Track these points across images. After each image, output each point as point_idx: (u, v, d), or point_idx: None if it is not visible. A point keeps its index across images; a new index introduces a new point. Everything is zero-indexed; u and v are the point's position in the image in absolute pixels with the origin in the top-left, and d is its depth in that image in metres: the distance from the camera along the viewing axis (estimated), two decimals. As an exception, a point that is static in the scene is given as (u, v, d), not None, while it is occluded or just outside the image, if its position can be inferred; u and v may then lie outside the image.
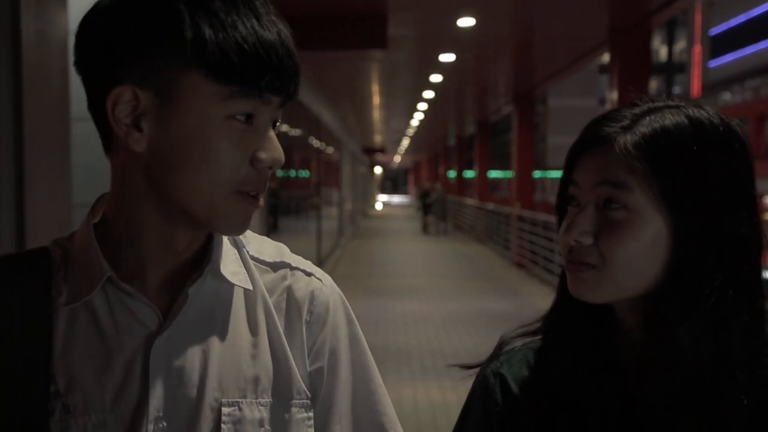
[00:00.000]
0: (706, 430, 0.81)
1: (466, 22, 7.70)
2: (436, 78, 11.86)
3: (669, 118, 0.84)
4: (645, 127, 0.84)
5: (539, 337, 0.98)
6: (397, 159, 53.82)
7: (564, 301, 0.94)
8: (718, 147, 0.83)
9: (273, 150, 0.82)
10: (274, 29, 0.80)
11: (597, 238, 0.84)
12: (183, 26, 0.76)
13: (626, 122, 0.85)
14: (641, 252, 0.83)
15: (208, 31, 0.76)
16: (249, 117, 0.80)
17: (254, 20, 0.78)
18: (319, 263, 11.84)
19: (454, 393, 5.44)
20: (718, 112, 0.86)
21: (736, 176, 0.83)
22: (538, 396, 0.92)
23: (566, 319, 0.94)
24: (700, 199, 0.82)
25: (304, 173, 11.72)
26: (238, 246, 0.93)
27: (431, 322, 8.28)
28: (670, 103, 0.88)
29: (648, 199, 0.82)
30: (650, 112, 0.86)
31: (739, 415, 0.81)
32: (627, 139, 0.84)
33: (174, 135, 0.79)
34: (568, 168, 0.90)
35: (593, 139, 0.87)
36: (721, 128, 0.84)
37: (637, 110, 0.87)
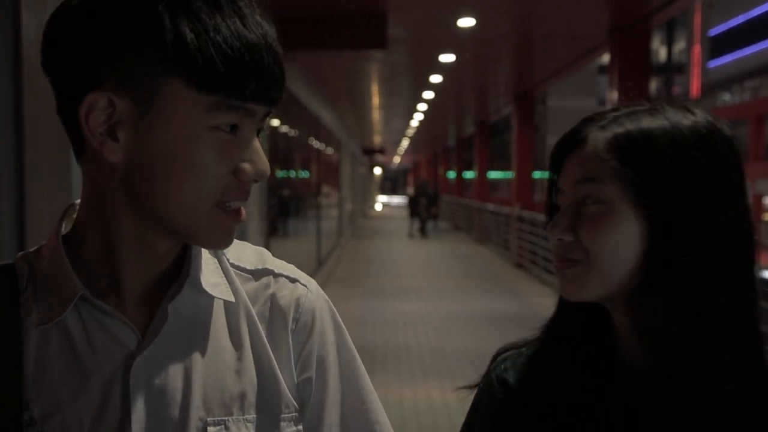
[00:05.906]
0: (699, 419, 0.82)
1: (466, 22, 7.70)
2: (435, 78, 11.85)
3: (646, 119, 0.86)
4: (619, 126, 0.87)
5: (537, 343, 0.98)
6: (397, 160, 53.80)
7: (562, 306, 0.96)
8: (697, 144, 0.84)
9: (258, 162, 0.78)
10: (260, 31, 0.75)
11: (578, 234, 0.87)
12: (162, 29, 0.71)
13: (605, 122, 0.88)
14: (619, 243, 0.85)
15: (189, 35, 0.71)
16: (233, 127, 0.76)
17: (238, 21, 0.73)
18: (319, 263, 11.88)
19: (455, 393, 5.43)
20: (708, 112, 0.87)
21: (720, 171, 0.84)
22: (542, 402, 0.92)
23: (564, 325, 0.95)
24: (671, 193, 0.83)
25: (304, 173, 11.71)
26: (218, 254, 0.88)
27: (431, 322, 8.26)
28: (652, 106, 0.89)
29: (619, 192, 0.85)
30: (630, 114, 0.88)
31: (727, 405, 0.81)
32: (600, 137, 0.87)
33: (154, 146, 0.74)
34: (554, 175, 0.93)
35: (570, 141, 0.90)
36: (702, 126, 0.85)
37: (618, 112, 0.89)
